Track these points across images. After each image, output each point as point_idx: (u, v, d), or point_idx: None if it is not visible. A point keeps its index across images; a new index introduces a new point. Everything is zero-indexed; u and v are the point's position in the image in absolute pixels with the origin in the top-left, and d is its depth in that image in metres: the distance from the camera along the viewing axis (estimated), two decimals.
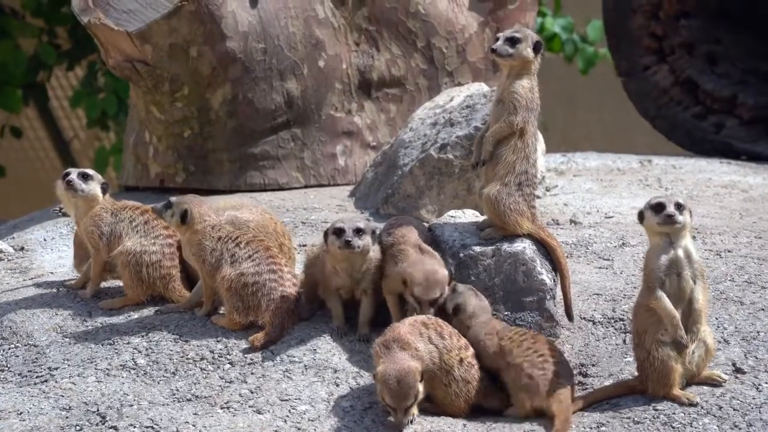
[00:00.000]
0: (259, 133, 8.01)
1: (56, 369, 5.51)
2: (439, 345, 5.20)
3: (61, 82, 14.41)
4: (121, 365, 5.48)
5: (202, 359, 5.48)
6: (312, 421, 5.12)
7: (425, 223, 6.02)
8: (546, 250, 5.67)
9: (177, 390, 5.32)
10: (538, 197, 6.38)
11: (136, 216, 6.01)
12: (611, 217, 7.13)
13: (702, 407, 5.05)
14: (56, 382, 5.43)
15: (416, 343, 5.15)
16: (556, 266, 5.65)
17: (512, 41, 5.62)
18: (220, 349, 5.51)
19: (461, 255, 5.63)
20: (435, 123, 7.23)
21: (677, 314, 5.09)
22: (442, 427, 5.08)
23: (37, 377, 5.49)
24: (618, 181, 8.13)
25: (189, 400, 5.27)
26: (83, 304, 5.98)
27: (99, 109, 11.50)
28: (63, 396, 5.34)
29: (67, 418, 5.20)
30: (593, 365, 5.48)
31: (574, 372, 5.35)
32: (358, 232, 5.51)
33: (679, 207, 5.11)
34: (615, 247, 6.46)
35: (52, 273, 6.62)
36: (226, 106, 7.93)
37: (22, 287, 6.28)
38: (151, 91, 7.86)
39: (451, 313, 5.41)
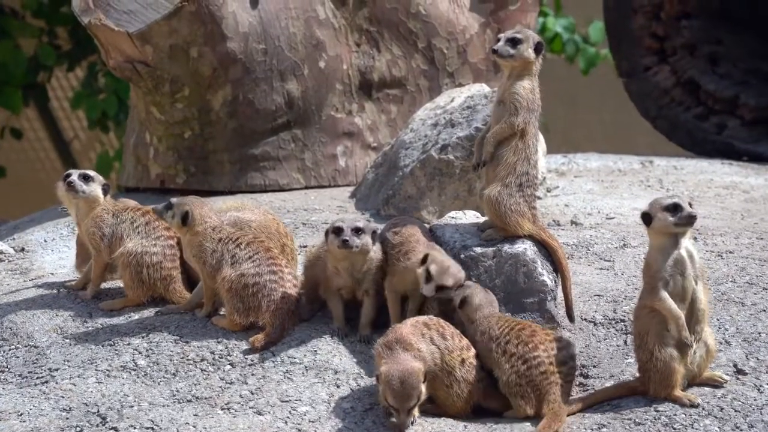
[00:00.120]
0: (260, 134, 8.00)
1: (56, 370, 5.50)
2: (441, 346, 5.19)
3: (62, 83, 14.40)
4: (121, 366, 5.48)
5: (202, 360, 5.47)
6: (313, 422, 5.12)
7: (426, 225, 6.01)
8: (547, 251, 5.66)
9: (177, 391, 5.31)
10: (539, 198, 6.37)
11: (137, 217, 6.00)
12: (612, 218, 7.13)
13: (703, 408, 5.04)
14: (56, 383, 5.43)
15: (418, 343, 5.15)
16: (557, 267, 5.64)
17: (513, 42, 5.61)
18: (221, 350, 5.51)
19: (462, 256, 5.62)
20: (436, 124, 7.22)
21: (682, 315, 5.08)
22: (443, 428, 5.08)
23: (37, 378, 5.48)
24: (619, 182, 8.12)
25: (189, 401, 5.26)
26: (84, 305, 5.97)
27: (99, 110, 11.49)
28: (63, 397, 5.34)
29: (67, 419, 5.19)
30: (594, 366, 5.47)
31: (575, 372, 5.34)
32: (357, 231, 5.50)
33: (691, 206, 5.11)
34: (616, 248, 6.45)
35: (52, 274, 6.61)
36: (226, 107, 7.92)
37: (22, 288, 6.27)
38: (151, 92, 7.85)
39: (457, 306, 5.39)
